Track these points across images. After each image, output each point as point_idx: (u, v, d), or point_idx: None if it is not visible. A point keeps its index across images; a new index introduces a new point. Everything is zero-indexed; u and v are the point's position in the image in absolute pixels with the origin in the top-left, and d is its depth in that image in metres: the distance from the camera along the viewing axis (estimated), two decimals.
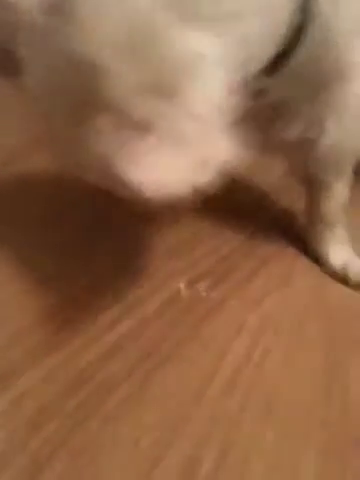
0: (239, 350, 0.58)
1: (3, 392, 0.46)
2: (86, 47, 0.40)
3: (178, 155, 0.42)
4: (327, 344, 0.63)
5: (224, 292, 0.65)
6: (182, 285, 0.64)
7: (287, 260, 0.75)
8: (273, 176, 0.91)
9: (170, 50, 0.42)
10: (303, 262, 0.76)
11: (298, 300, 0.69)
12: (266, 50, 0.51)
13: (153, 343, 0.56)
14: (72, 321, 0.55)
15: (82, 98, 0.42)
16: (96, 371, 0.51)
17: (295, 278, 0.72)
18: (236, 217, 0.80)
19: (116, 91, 0.41)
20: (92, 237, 0.69)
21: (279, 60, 0.53)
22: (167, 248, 0.69)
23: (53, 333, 0.53)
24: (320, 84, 0.60)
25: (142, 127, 0.42)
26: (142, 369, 0.53)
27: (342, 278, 0.74)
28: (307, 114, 0.64)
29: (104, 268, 0.64)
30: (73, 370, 0.50)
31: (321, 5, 0.53)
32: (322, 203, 0.73)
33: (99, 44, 0.40)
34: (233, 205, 0.82)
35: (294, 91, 0.60)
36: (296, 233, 0.81)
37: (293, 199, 0.88)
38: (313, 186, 0.73)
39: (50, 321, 0.55)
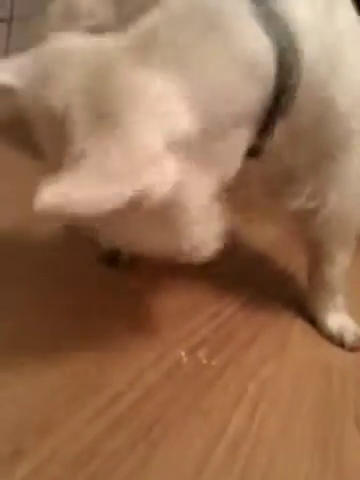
0: (239, 421, 0.60)
1: (10, 473, 0.48)
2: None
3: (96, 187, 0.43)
4: (323, 411, 0.66)
5: (224, 360, 0.67)
6: (183, 353, 0.66)
7: (284, 323, 0.78)
8: (268, 238, 0.94)
9: (121, 82, 0.46)
10: (300, 325, 0.79)
11: (295, 365, 0.71)
12: (242, 102, 0.52)
13: (156, 415, 0.58)
14: (77, 397, 0.57)
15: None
16: (102, 446, 0.52)
17: (292, 342, 0.75)
18: (233, 281, 0.83)
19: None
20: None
21: (271, 118, 0.54)
22: (167, 316, 0.72)
23: (58, 409, 0.55)
24: (321, 151, 0.62)
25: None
26: (146, 442, 0.54)
27: (338, 342, 0.76)
28: (310, 184, 0.66)
29: (111, 338, 0.66)
30: (79, 446, 0.52)
31: (315, 67, 0.54)
32: (325, 271, 0.75)
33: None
34: (230, 269, 0.85)
35: (295, 156, 0.62)
36: (292, 294, 0.84)
37: (289, 261, 0.91)
38: (316, 254, 0.75)
39: (56, 397, 0.56)
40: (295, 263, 0.91)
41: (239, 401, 0.63)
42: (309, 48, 0.53)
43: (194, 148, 0.48)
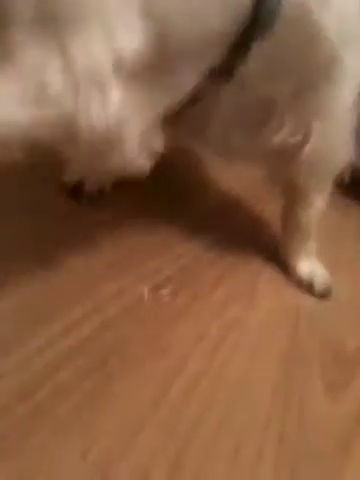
0: (199, 359, 0.58)
1: None
2: None
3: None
4: (287, 356, 0.63)
5: (187, 299, 0.64)
6: (146, 290, 0.63)
7: (253, 268, 0.75)
8: (242, 181, 0.91)
9: None
10: (270, 270, 0.76)
11: (262, 310, 0.68)
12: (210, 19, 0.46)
13: (113, 348, 0.55)
14: (30, 322, 0.53)
15: None
16: (51, 375, 0.49)
17: (260, 287, 0.72)
18: (203, 223, 0.79)
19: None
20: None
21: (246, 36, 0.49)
22: (131, 251, 0.68)
23: (9, 333, 0.52)
24: (305, 81, 0.58)
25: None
26: (100, 374, 0.51)
27: (307, 287, 0.74)
28: (292, 117, 0.62)
29: (72, 263, 0.62)
30: (28, 373, 0.48)
31: None
32: (299, 214, 0.72)
33: None
34: (202, 211, 0.82)
35: (276, 86, 0.57)
36: (264, 240, 0.81)
37: (262, 207, 0.88)
38: (292, 196, 0.72)
39: (7, 321, 0.53)
40: (268, 210, 0.87)
41: (200, 340, 0.60)
42: None
43: (142, 70, 0.43)
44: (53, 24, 0.38)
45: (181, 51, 0.46)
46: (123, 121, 0.43)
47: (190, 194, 0.86)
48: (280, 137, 0.62)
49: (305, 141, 0.63)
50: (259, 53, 0.51)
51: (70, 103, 0.39)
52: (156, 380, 0.53)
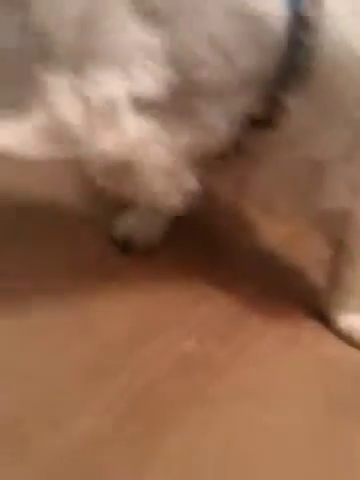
0: (245, 411, 0.60)
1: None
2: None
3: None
4: (332, 408, 0.65)
5: (232, 351, 0.67)
6: (191, 343, 0.66)
7: (295, 319, 0.77)
8: (282, 233, 0.93)
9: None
10: (310, 322, 0.78)
11: (305, 362, 0.71)
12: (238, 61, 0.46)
13: (164, 405, 0.58)
14: (83, 390, 0.57)
15: None
16: (115, 434, 0.53)
17: (302, 339, 0.74)
18: (244, 274, 0.82)
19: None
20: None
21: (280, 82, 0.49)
22: (176, 305, 0.72)
23: (66, 401, 0.55)
24: (356, 141, 0.56)
25: None
26: (153, 432, 0.55)
27: (347, 340, 0.76)
28: (347, 180, 0.60)
29: (115, 328, 0.66)
30: (89, 437, 0.52)
31: (342, 25, 0.48)
32: (344, 271, 0.73)
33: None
34: (241, 262, 0.85)
35: (324, 136, 0.55)
36: (304, 291, 0.84)
37: (301, 257, 0.90)
38: (338, 253, 0.73)
39: (64, 390, 0.57)
40: (308, 260, 0.90)
41: (246, 393, 0.63)
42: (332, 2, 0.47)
43: (166, 106, 0.44)
44: (80, 65, 0.41)
45: (205, 94, 0.46)
46: (142, 150, 0.45)
47: (231, 244, 0.90)
48: (330, 204, 0.62)
49: (354, 209, 0.63)
50: (301, 102, 0.51)
51: (86, 136, 0.42)
52: (207, 437, 0.56)
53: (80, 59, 0.42)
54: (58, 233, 0.74)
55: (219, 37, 0.44)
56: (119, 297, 0.70)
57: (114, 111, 0.42)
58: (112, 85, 0.42)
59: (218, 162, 0.55)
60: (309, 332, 0.76)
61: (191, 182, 0.51)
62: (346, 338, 0.76)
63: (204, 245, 0.85)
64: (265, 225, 0.92)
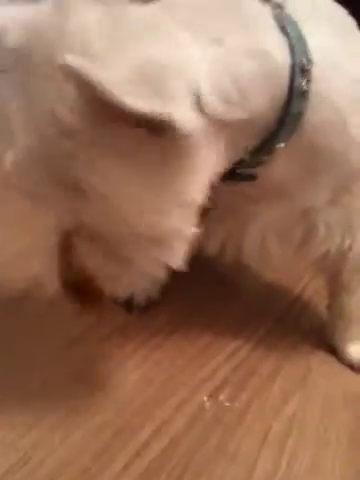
0: (266, 461, 0.60)
1: None
2: None
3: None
4: (352, 443, 0.65)
5: (246, 400, 0.68)
6: (205, 398, 0.67)
7: (304, 355, 0.77)
8: (282, 268, 0.94)
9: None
10: (320, 355, 0.78)
11: (319, 397, 0.71)
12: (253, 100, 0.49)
13: (184, 463, 0.58)
14: (105, 451, 0.58)
15: None
16: None
17: (314, 374, 0.74)
18: (247, 317, 0.82)
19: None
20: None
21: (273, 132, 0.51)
22: (185, 359, 0.72)
23: (86, 466, 0.56)
24: (341, 186, 0.59)
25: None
26: None
27: (359, 369, 0.76)
28: (337, 220, 0.63)
29: (131, 387, 0.67)
30: None
31: (327, 87, 0.51)
32: (343, 302, 0.74)
33: None
34: (243, 304, 0.85)
35: (310, 187, 0.58)
36: (310, 323, 0.84)
37: (302, 289, 0.91)
38: (334, 285, 0.74)
39: (83, 453, 0.57)
40: (309, 290, 0.91)
41: (265, 441, 0.63)
42: (321, 66, 0.51)
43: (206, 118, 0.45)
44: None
45: None
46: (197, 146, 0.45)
47: (231, 289, 0.90)
48: (326, 247, 0.65)
49: (349, 248, 0.65)
50: (289, 150, 0.53)
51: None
52: None
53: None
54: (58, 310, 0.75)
55: (239, 75, 0.47)
56: (125, 358, 0.70)
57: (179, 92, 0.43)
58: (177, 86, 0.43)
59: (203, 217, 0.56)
60: (320, 364, 0.76)
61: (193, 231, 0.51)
62: (358, 369, 0.76)
63: (204, 293, 0.86)
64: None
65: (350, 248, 0.65)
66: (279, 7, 0.51)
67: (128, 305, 0.79)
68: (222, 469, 0.59)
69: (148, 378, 0.69)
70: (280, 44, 0.49)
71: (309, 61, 0.50)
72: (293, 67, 0.49)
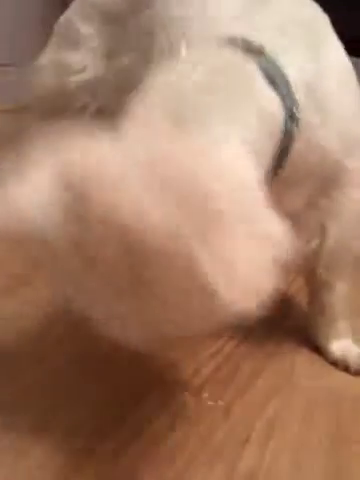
0: (249, 460, 0.60)
1: None
2: None
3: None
4: (335, 442, 0.65)
5: (229, 399, 0.67)
6: (188, 396, 0.66)
7: (288, 354, 0.78)
8: None
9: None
10: (304, 354, 0.78)
11: (302, 396, 0.71)
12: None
13: (166, 463, 0.58)
14: (79, 454, 0.57)
15: None
16: None
17: (297, 373, 0.74)
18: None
19: None
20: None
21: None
22: (168, 359, 0.72)
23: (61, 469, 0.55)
24: (319, 191, 0.65)
25: None
26: None
27: (343, 367, 0.76)
28: (311, 223, 0.67)
29: (112, 387, 0.66)
30: None
31: (306, 114, 0.57)
32: (323, 298, 0.75)
33: None
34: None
35: (295, 200, 0.64)
36: (294, 323, 0.84)
37: (286, 288, 0.91)
38: (313, 283, 0.76)
39: (58, 458, 0.56)
40: (293, 288, 0.91)
41: (248, 439, 0.62)
42: (300, 98, 0.56)
43: None
44: None
45: None
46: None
47: None
48: (305, 245, 0.68)
49: (323, 242, 0.68)
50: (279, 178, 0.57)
51: None
52: None
53: None
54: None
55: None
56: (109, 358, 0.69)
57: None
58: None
59: None
60: (304, 363, 0.77)
61: None
62: (341, 366, 0.76)
63: None
64: None
65: (322, 246, 0.68)
66: (260, 52, 0.55)
67: None
68: (205, 467, 0.58)
69: (130, 376, 0.68)
70: (274, 102, 0.54)
71: (297, 107, 0.56)
72: (285, 116, 0.55)
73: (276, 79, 0.55)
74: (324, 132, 0.59)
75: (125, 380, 0.67)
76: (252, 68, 0.54)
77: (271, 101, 0.54)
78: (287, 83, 0.55)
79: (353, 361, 0.76)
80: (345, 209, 0.67)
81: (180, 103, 0.48)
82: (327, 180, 0.64)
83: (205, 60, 0.53)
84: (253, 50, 0.55)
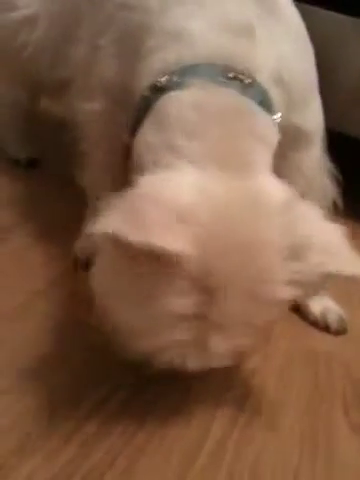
0: (224, 419, 0.59)
1: None
2: None
3: None
4: (311, 401, 0.64)
5: None
6: None
7: None
8: None
9: None
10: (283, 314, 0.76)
11: (280, 356, 0.70)
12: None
13: (138, 421, 0.57)
14: (55, 412, 0.56)
15: None
16: (80, 463, 0.51)
17: (276, 333, 0.73)
18: None
19: None
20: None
21: None
22: None
23: (34, 429, 0.54)
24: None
25: None
26: (127, 451, 0.53)
27: (323, 327, 0.75)
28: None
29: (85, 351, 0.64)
30: (56, 467, 0.50)
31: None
32: None
33: None
34: None
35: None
36: None
37: None
38: None
39: (31, 415, 0.55)
40: None
41: (224, 400, 0.61)
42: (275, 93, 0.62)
43: None
44: None
45: None
46: None
47: None
48: None
49: None
50: None
51: None
52: (184, 445, 0.55)
53: None
54: None
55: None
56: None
57: None
58: None
59: None
60: (283, 323, 0.74)
61: None
62: (322, 325, 0.75)
63: None
64: None
65: None
66: (251, 86, 0.59)
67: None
68: (178, 428, 0.57)
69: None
70: (272, 128, 0.61)
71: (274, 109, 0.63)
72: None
73: (272, 109, 0.61)
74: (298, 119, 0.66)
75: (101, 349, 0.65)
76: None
77: (269, 132, 0.60)
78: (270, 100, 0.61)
79: (333, 320, 0.75)
80: (311, 162, 0.73)
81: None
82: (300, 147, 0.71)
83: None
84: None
